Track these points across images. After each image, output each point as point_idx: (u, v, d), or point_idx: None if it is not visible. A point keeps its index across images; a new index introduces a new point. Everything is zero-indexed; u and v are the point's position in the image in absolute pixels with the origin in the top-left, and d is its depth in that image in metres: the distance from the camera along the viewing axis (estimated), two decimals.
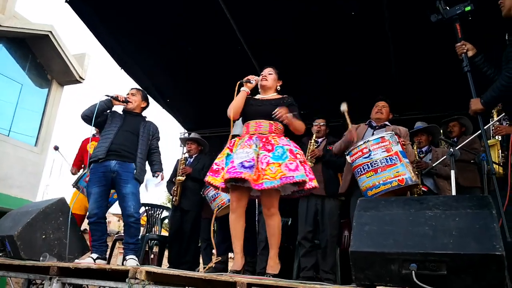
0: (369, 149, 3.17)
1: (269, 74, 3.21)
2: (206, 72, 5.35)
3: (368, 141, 3.18)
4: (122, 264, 3.51)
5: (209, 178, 2.93)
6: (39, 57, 9.28)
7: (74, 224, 3.59)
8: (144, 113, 3.93)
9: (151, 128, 3.79)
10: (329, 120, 4.52)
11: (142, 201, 3.76)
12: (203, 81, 5.53)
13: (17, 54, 9.05)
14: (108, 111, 3.71)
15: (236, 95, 3.09)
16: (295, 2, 4.23)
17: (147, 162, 3.77)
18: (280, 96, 3.17)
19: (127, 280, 2.46)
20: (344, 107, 3.60)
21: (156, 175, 3.79)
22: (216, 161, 3.01)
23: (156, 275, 2.44)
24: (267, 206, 2.90)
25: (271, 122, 3.00)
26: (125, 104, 3.73)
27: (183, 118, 6.56)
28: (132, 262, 3.29)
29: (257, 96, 3.22)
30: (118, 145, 3.51)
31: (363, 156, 3.16)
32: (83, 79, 9.78)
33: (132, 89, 3.90)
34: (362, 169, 3.16)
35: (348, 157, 3.35)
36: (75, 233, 3.53)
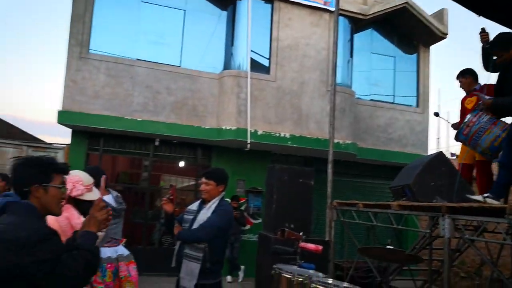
0: None
1: None
2: None
3: None
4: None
5: None
6: (403, 28, 10.30)
7: (456, 172, 4.17)
8: None
9: None
10: None
11: None
12: None
13: (385, 32, 10.45)
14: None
15: None
16: None
17: None
18: None
19: (505, 216, 2.83)
20: None
21: None
22: None
23: None
24: None
25: None
26: None
27: None
28: None
29: None
30: None
31: None
32: (446, 34, 10.02)
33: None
34: None
35: None
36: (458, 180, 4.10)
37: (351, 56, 9.71)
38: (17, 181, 1.82)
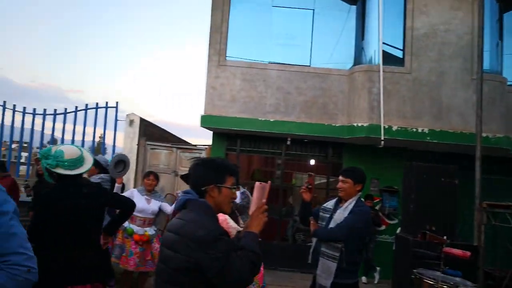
0: None
1: None
2: None
3: None
4: None
5: None
6: None
7: None
8: None
9: None
10: None
11: None
12: None
13: None
14: None
15: None
16: None
17: None
18: None
19: None
20: None
21: None
22: None
23: None
24: None
25: None
26: None
27: None
28: None
29: None
30: None
31: None
32: None
33: None
34: None
35: None
36: None
37: (501, 38, 8.59)
38: (195, 181, 1.97)
